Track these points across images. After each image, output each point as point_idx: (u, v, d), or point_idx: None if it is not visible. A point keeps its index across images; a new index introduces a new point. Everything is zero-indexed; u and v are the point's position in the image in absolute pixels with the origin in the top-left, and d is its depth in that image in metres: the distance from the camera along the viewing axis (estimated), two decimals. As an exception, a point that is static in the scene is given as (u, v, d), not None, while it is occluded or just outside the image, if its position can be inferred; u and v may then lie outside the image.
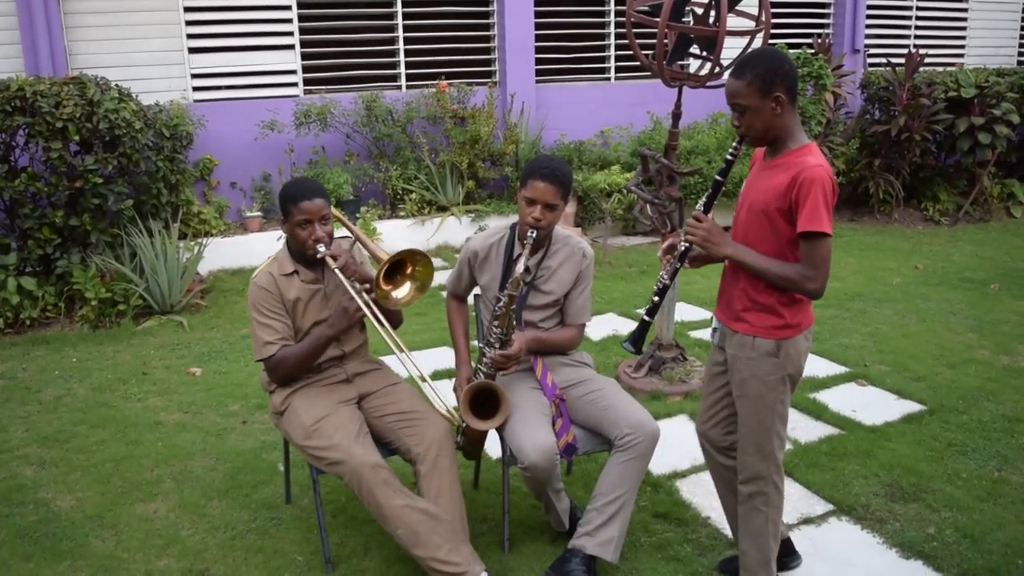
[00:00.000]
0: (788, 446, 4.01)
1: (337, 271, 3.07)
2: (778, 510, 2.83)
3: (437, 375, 5.02)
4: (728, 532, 3.27)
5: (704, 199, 2.75)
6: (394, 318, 3.23)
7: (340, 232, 3.47)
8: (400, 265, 3.11)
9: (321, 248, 3.09)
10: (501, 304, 3.08)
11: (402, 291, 3.14)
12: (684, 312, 6.13)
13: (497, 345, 3.12)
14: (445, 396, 3.21)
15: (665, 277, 2.82)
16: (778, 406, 2.72)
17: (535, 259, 3.22)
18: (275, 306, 3.14)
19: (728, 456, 2.99)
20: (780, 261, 2.61)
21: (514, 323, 3.15)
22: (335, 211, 3.37)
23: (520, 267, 3.05)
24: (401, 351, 3.10)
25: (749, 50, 2.69)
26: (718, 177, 2.71)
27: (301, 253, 3.17)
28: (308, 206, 3.07)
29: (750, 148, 2.80)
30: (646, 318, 2.84)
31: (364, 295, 3.07)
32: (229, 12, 7.96)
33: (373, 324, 3.08)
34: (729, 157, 2.66)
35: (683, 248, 2.77)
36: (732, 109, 2.62)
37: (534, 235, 3.06)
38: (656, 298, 2.83)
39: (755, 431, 2.75)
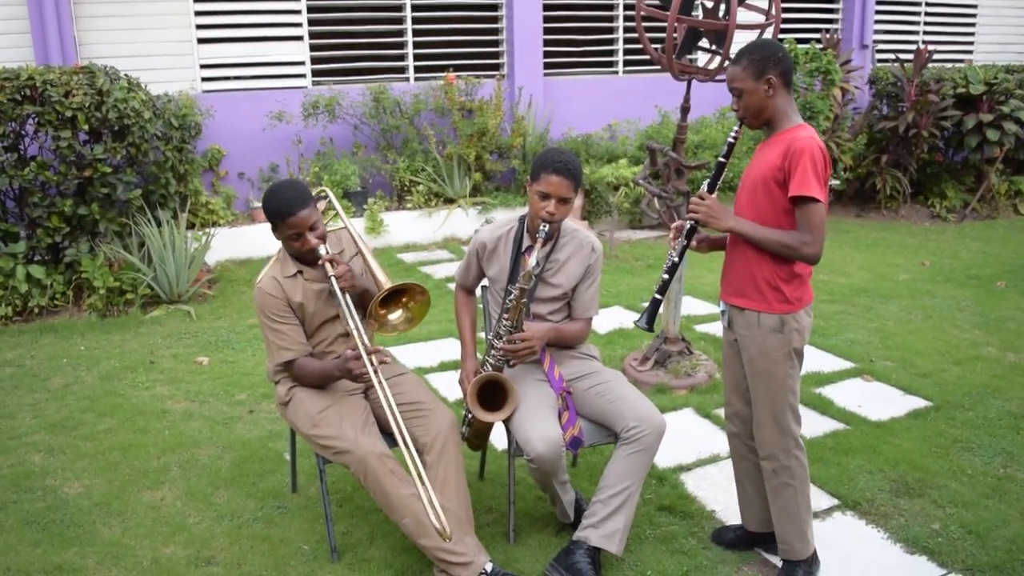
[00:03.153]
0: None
1: (333, 280, 3.06)
2: (804, 482, 2.94)
3: (444, 366, 5.03)
4: (734, 520, 3.30)
5: (708, 180, 2.92)
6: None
7: (334, 224, 3.44)
8: (399, 292, 3.10)
9: (322, 251, 3.08)
10: (512, 297, 3.08)
11: (393, 315, 3.14)
12: (690, 306, 6.12)
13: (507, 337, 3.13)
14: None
15: (674, 255, 2.96)
16: (788, 380, 2.86)
17: (543, 252, 3.22)
18: (283, 311, 3.14)
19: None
20: (778, 230, 2.77)
21: (524, 316, 3.16)
22: (350, 227, 3.34)
23: (532, 261, 3.05)
24: (395, 417, 2.94)
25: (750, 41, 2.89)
26: (721, 159, 2.91)
27: (300, 256, 3.18)
28: (295, 221, 3.03)
29: (755, 136, 2.96)
30: (657, 296, 2.96)
31: (369, 352, 3.00)
32: (238, 3, 7.97)
33: (373, 380, 2.97)
34: (731, 139, 2.88)
35: (689, 226, 2.94)
36: (731, 94, 2.83)
37: (546, 229, 3.06)
38: (666, 275, 2.96)
39: (768, 406, 2.88)
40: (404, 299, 3.14)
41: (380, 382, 2.98)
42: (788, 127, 2.80)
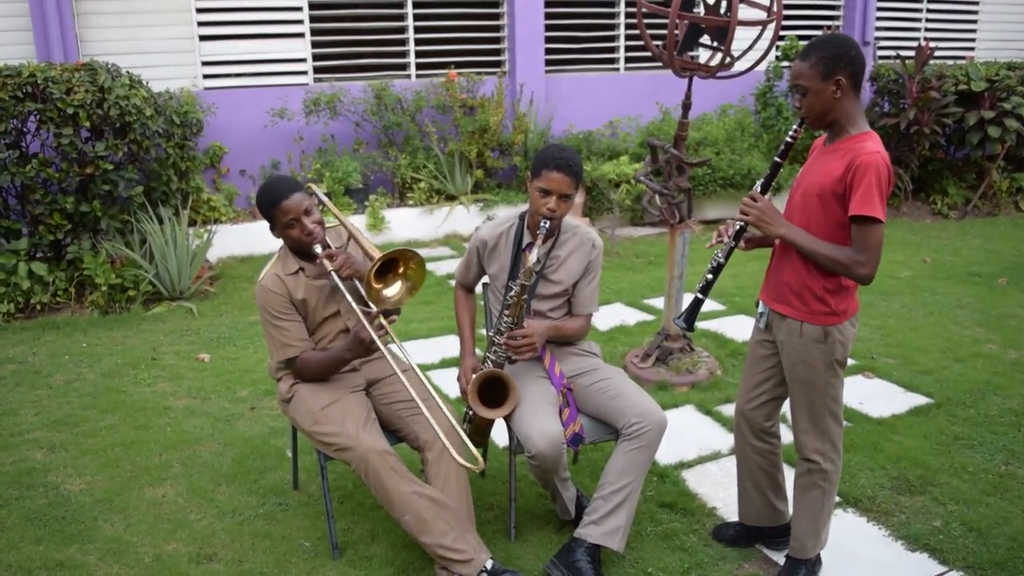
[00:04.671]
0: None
1: (334, 274, 3.05)
2: (834, 486, 2.93)
3: (445, 363, 5.03)
4: (735, 517, 3.30)
5: (762, 180, 2.80)
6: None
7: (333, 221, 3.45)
8: (392, 264, 3.05)
9: (318, 249, 3.08)
10: (512, 294, 3.08)
11: (392, 289, 3.07)
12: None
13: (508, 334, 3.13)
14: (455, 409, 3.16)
15: (720, 256, 2.86)
16: (829, 389, 2.81)
17: (544, 248, 3.21)
18: (286, 308, 3.14)
19: (762, 439, 3.07)
20: (832, 244, 2.65)
21: (525, 312, 3.16)
22: (330, 204, 3.35)
23: (533, 257, 3.04)
24: (411, 372, 3.03)
25: (820, 35, 2.71)
26: (777, 159, 2.77)
27: (301, 251, 3.18)
28: (288, 205, 3.04)
29: (810, 134, 2.84)
30: (699, 296, 2.89)
31: (374, 317, 3.00)
32: (239, -1, 7.98)
33: (383, 351, 3.02)
34: (789, 139, 2.73)
35: (738, 227, 2.82)
36: (795, 90, 2.67)
37: (547, 225, 3.06)
38: (710, 276, 2.87)
39: (807, 410, 2.85)
40: (399, 269, 3.06)
41: (387, 339, 3.00)
42: (853, 133, 2.65)
